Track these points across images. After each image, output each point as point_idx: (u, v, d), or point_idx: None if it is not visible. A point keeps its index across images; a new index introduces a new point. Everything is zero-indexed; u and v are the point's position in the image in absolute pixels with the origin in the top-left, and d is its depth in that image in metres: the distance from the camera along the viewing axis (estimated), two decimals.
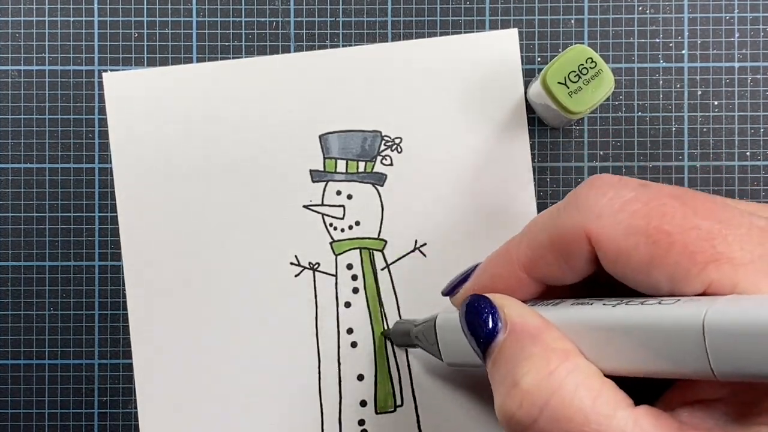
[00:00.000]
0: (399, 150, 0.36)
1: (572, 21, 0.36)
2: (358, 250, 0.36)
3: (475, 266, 0.28)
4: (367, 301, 0.35)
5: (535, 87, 0.33)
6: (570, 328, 0.22)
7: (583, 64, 0.32)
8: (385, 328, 0.35)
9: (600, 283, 0.24)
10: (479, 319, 0.24)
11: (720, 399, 0.21)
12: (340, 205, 0.36)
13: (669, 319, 0.20)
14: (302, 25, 0.36)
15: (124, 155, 0.36)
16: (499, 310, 0.24)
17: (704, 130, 0.36)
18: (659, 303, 0.20)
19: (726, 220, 0.21)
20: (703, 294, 0.20)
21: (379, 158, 0.36)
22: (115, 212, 0.36)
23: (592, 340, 0.22)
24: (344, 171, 0.36)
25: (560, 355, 0.22)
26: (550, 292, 0.25)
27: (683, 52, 0.36)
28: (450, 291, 0.29)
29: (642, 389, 0.22)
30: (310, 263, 0.35)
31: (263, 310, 0.35)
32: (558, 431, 0.21)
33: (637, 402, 0.21)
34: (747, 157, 0.36)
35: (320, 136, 0.36)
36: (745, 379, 0.19)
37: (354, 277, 0.35)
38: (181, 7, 0.36)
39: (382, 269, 0.36)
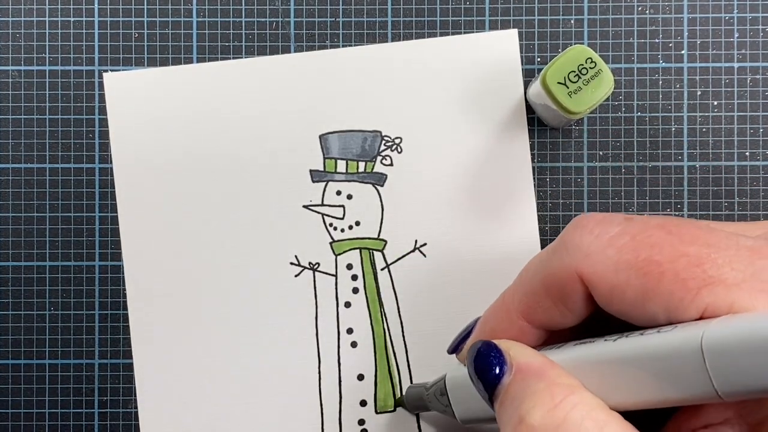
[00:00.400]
0: (399, 150, 0.36)
1: (572, 21, 0.36)
2: (358, 250, 0.36)
3: (476, 321, 0.28)
4: (367, 301, 0.35)
5: (535, 87, 0.33)
6: (573, 365, 0.23)
7: (582, 64, 0.32)
8: (385, 328, 0.35)
9: (601, 323, 0.24)
10: (486, 364, 0.24)
11: (726, 421, 0.21)
12: (340, 205, 0.36)
13: (668, 344, 0.20)
14: (302, 25, 0.36)
15: (124, 155, 0.36)
16: (505, 354, 0.24)
17: (704, 130, 0.36)
18: (658, 332, 0.21)
19: (713, 244, 0.21)
20: (701, 319, 0.20)
21: (379, 158, 0.36)
22: (115, 212, 0.36)
23: (595, 376, 0.22)
24: (344, 171, 0.36)
25: (565, 390, 0.22)
26: (552, 338, 0.26)
27: (683, 52, 0.36)
28: (455, 348, 0.29)
29: (647, 420, 0.22)
30: (310, 263, 0.35)
31: (263, 310, 0.35)
32: None
33: None
34: (746, 157, 0.36)
35: (320, 136, 0.36)
36: (750, 396, 0.19)
37: (354, 277, 0.35)
38: (181, 7, 0.36)
39: (382, 269, 0.36)
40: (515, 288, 0.26)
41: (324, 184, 0.36)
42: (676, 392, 0.20)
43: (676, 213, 0.36)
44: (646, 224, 0.22)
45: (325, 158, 0.36)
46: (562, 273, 0.23)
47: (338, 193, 0.36)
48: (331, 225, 0.36)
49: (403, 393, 0.35)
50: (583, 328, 0.25)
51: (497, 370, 0.23)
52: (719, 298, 0.20)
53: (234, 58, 0.36)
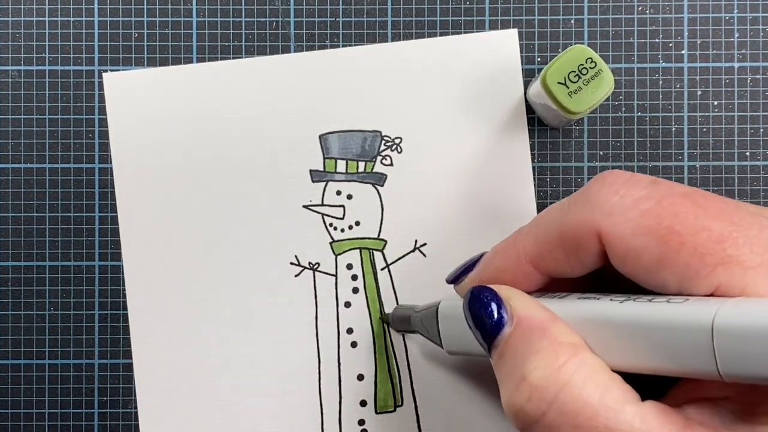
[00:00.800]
0: (399, 150, 0.36)
1: (572, 21, 0.36)
2: (358, 250, 0.36)
3: (481, 255, 0.27)
4: (367, 301, 0.35)
5: (535, 87, 0.33)
6: (577, 322, 0.22)
7: (582, 64, 0.32)
8: (385, 328, 0.35)
9: (605, 277, 0.24)
10: (485, 311, 0.24)
11: (727, 398, 0.21)
12: (340, 205, 0.36)
13: (678, 318, 0.20)
14: (302, 25, 0.36)
15: (124, 155, 0.36)
16: (505, 302, 0.24)
17: (704, 130, 0.36)
18: (668, 301, 0.21)
19: (737, 222, 0.21)
20: (711, 296, 0.20)
21: (379, 158, 0.36)
22: (115, 212, 0.36)
23: (599, 336, 0.22)
24: (344, 171, 0.36)
25: (569, 350, 0.22)
26: (553, 284, 0.25)
27: (683, 52, 0.36)
28: (455, 279, 0.28)
29: (649, 385, 0.22)
30: (310, 263, 0.35)
31: (263, 310, 0.35)
32: (566, 425, 0.21)
33: (644, 397, 0.21)
34: (747, 157, 0.36)
35: (320, 136, 0.36)
36: (750, 381, 0.19)
37: (354, 277, 0.35)
38: (181, 7, 0.36)
39: (382, 269, 0.36)
40: (528, 231, 0.25)
41: (324, 184, 0.36)
42: (677, 365, 0.20)
43: None
44: (672, 191, 0.22)
45: (325, 158, 0.36)
46: (580, 227, 0.23)
47: (338, 193, 0.36)
48: (331, 225, 0.36)
49: (391, 312, 0.35)
50: (586, 279, 0.25)
51: (496, 318, 0.23)
52: (734, 279, 0.20)
53: (234, 58, 0.36)
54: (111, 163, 0.36)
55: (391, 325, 0.35)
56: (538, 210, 0.35)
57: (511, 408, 0.22)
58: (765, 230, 0.21)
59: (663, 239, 0.21)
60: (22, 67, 0.36)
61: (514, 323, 0.23)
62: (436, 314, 0.29)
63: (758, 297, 0.20)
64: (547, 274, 0.25)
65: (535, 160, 0.36)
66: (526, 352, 0.22)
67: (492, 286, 0.25)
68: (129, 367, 0.35)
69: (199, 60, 0.36)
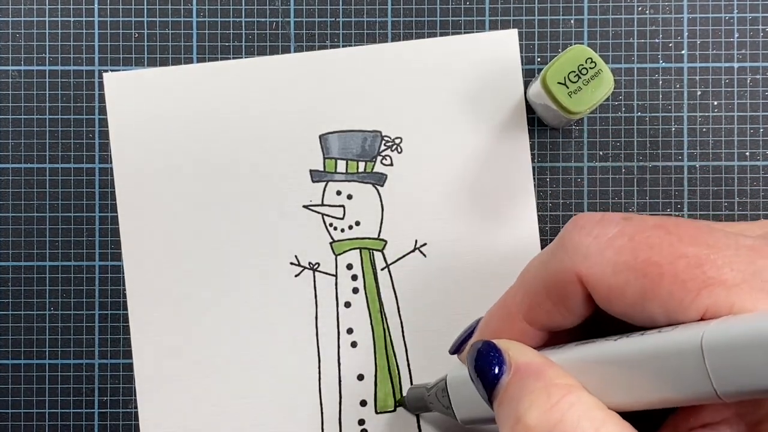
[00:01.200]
0: (399, 150, 0.36)
1: (572, 21, 0.36)
2: (358, 250, 0.36)
3: (478, 321, 0.28)
4: (367, 301, 0.35)
5: (535, 87, 0.33)
6: (573, 366, 0.22)
7: (582, 65, 0.32)
8: (385, 328, 0.35)
9: (601, 327, 0.24)
10: (486, 364, 0.24)
11: (724, 420, 0.21)
12: (340, 205, 0.36)
13: (668, 344, 0.20)
14: (302, 25, 0.36)
15: (124, 155, 0.36)
16: (504, 353, 0.24)
17: (704, 130, 0.36)
18: (659, 332, 0.21)
19: (713, 244, 0.21)
20: (701, 320, 0.20)
21: (379, 158, 0.36)
22: (115, 212, 0.36)
23: (595, 376, 0.22)
24: (344, 171, 0.36)
25: (562, 389, 0.22)
26: (554, 339, 0.26)
27: (683, 52, 0.36)
28: (456, 349, 0.29)
29: (645, 419, 0.22)
30: (310, 263, 0.35)
31: (263, 310, 0.35)
32: None
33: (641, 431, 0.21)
34: (746, 157, 0.36)
35: (320, 136, 0.36)
36: (750, 396, 0.19)
37: (354, 277, 0.35)
38: (181, 7, 0.36)
39: (382, 269, 0.36)
40: (516, 289, 0.26)
41: (324, 184, 0.36)
42: (675, 392, 0.20)
43: (676, 213, 0.36)
44: (644, 224, 0.22)
45: (325, 158, 0.36)
46: (561, 275, 0.23)
47: (338, 193, 0.36)
48: (331, 225, 0.36)
49: (404, 394, 0.35)
50: (584, 328, 0.25)
51: (496, 370, 0.23)
52: (720, 300, 0.20)
53: (234, 58, 0.36)
54: (111, 163, 0.36)
55: (408, 408, 0.34)
56: (538, 210, 0.35)
57: None
58: (742, 248, 0.21)
59: (642, 273, 0.21)
60: (22, 67, 0.36)
61: (512, 371, 0.23)
62: (445, 386, 0.29)
63: (746, 312, 0.20)
64: (542, 328, 0.25)
65: (535, 160, 0.36)
66: (521, 394, 0.22)
67: (493, 340, 0.25)
68: (129, 367, 0.35)
69: (199, 60, 0.36)
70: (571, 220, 0.23)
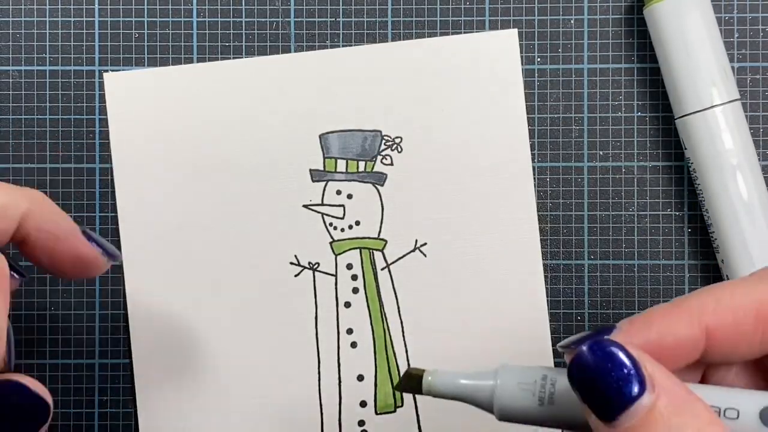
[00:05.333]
0: (399, 150, 0.36)
1: (572, 21, 0.36)
2: (358, 250, 0.36)
3: (605, 326, 0.23)
4: (367, 301, 0.35)
5: None
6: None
7: None
8: (385, 328, 0.35)
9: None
10: (620, 373, 0.19)
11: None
12: (340, 205, 0.36)
13: None
14: (302, 25, 0.36)
15: (124, 155, 0.36)
16: (641, 367, 0.20)
17: None
18: None
19: None
20: None
21: (379, 158, 0.36)
22: (115, 212, 0.36)
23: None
24: (344, 171, 0.36)
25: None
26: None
27: None
28: (569, 345, 0.23)
29: None
30: (310, 263, 0.35)
31: (263, 310, 0.35)
32: None
33: None
34: None
35: (320, 136, 0.36)
36: None
37: (354, 277, 0.35)
38: (181, 7, 0.36)
39: (382, 269, 0.35)
40: (709, 293, 0.22)
41: (324, 183, 0.36)
42: None
43: (677, 213, 0.36)
44: None
45: (325, 158, 0.36)
46: None
47: (338, 192, 0.36)
48: (331, 225, 0.36)
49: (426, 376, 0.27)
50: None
51: (636, 385, 0.19)
52: None
53: (234, 58, 0.36)
54: (111, 163, 0.36)
55: (405, 385, 0.26)
56: (538, 210, 0.35)
57: None
58: None
59: None
60: (22, 67, 0.36)
61: (656, 392, 0.19)
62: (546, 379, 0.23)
63: None
64: (713, 351, 0.22)
65: (535, 160, 0.36)
66: (678, 427, 0.19)
67: (632, 349, 0.20)
68: (129, 367, 0.35)
69: (199, 60, 0.36)
70: None
